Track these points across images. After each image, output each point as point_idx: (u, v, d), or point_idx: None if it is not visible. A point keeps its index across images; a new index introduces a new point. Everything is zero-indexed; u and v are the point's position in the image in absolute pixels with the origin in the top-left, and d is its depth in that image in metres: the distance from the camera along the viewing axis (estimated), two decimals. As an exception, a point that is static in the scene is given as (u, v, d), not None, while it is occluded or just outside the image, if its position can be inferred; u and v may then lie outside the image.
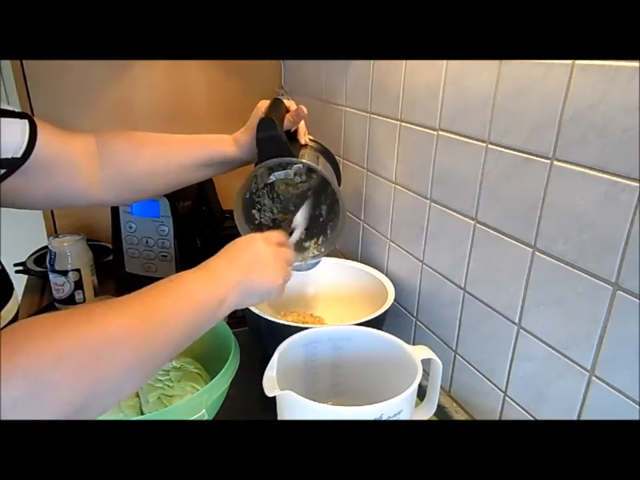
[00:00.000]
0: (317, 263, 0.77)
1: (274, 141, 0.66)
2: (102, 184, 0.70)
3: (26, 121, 0.59)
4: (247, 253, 0.57)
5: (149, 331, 0.43)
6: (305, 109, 0.74)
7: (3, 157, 0.57)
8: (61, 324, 0.39)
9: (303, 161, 0.70)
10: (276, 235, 0.64)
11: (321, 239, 0.77)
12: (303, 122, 0.78)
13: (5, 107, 0.58)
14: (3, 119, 0.56)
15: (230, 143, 0.76)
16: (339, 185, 0.81)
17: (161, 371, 0.67)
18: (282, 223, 0.79)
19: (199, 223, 1.10)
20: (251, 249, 0.58)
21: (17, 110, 0.59)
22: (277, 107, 0.71)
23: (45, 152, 0.62)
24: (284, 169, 0.76)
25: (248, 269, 0.56)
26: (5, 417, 0.33)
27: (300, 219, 0.73)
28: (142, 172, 0.72)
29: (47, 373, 0.35)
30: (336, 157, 1.06)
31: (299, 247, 0.77)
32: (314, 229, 0.78)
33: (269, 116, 0.66)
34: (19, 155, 0.59)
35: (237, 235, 0.74)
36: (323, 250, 0.76)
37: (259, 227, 0.77)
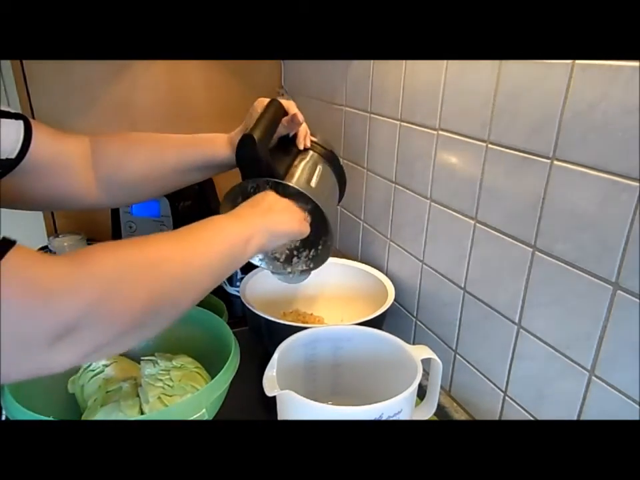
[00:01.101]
0: (305, 278, 0.76)
1: (253, 161, 0.64)
2: (96, 186, 0.69)
3: (21, 122, 0.59)
4: (266, 201, 0.63)
5: (192, 254, 0.50)
6: (300, 117, 0.71)
7: None
8: (121, 245, 0.45)
9: (285, 182, 0.65)
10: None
11: (312, 252, 0.76)
12: (304, 124, 0.76)
13: (0, 107, 0.58)
14: None
15: (225, 144, 0.73)
16: (344, 189, 0.78)
17: (160, 370, 0.67)
18: None
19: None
20: (268, 197, 0.64)
21: (12, 111, 0.59)
22: (268, 114, 0.67)
23: (39, 153, 0.62)
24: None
25: (269, 211, 0.61)
26: (81, 322, 0.37)
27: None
28: (135, 175, 0.71)
29: (115, 281, 0.40)
30: (336, 157, 1.06)
31: (288, 259, 0.76)
32: (305, 242, 0.76)
33: (252, 130, 0.63)
34: (13, 156, 0.59)
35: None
36: (312, 266, 0.75)
37: None
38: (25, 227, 1.27)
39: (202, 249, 0.51)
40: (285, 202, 0.65)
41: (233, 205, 0.66)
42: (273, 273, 0.76)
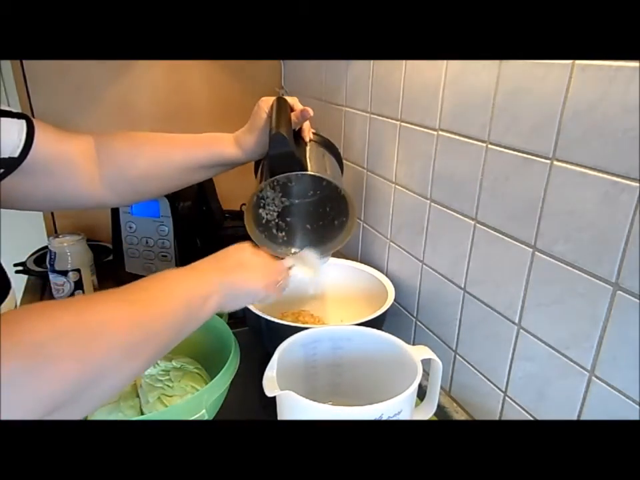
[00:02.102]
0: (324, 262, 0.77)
1: (287, 157, 0.66)
2: (101, 185, 0.70)
3: (23, 121, 0.59)
4: (233, 258, 0.61)
5: (143, 316, 0.45)
6: (310, 111, 0.73)
7: (0, 156, 0.57)
8: (61, 307, 0.40)
9: (317, 174, 0.68)
10: (267, 252, 0.68)
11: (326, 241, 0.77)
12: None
13: (2, 107, 0.58)
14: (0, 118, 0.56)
15: (231, 144, 0.74)
16: (342, 173, 0.82)
17: (160, 371, 0.67)
18: (286, 217, 0.78)
19: (199, 223, 1.10)
20: (237, 254, 0.62)
21: (13, 110, 0.59)
22: (283, 111, 0.70)
23: (42, 152, 0.62)
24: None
25: (231, 271, 0.59)
26: (5, 392, 0.33)
27: (305, 256, 0.74)
28: (141, 172, 0.72)
29: (47, 347, 0.36)
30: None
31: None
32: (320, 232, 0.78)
33: (278, 128, 0.65)
34: (16, 155, 0.59)
35: (236, 234, 0.74)
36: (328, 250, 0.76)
37: (267, 227, 0.76)
38: (25, 227, 1.27)
39: (153, 310, 0.47)
40: (259, 260, 0.63)
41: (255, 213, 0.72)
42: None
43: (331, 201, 0.77)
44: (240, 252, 0.62)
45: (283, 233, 0.77)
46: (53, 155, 0.64)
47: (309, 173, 0.68)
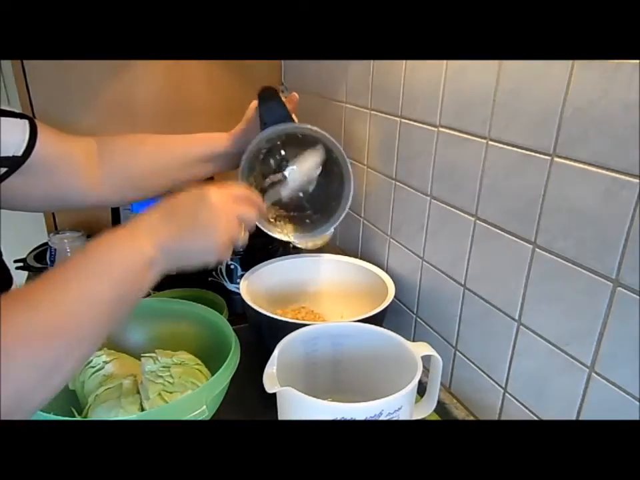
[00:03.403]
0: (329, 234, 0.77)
1: (275, 107, 0.69)
2: (103, 183, 0.70)
3: (26, 121, 0.60)
4: (186, 214, 0.52)
5: (68, 319, 0.41)
6: (296, 94, 0.78)
7: (3, 155, 0.57)
8: None
9: (309, 126, 0.71)
10: (238, 189, 0.58)
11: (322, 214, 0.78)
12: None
13: (4, 107, 0.58)
14: (2, 118, 0.57)
15: (228, 138, 0.77)
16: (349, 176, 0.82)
17: (161, 367, 0.67)
18: (275, 183, 0.78)
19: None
20: (193, 208, 0.52)
21: (16, 111, 0.60)
22: (271, 88, 0.74)
23: (45, 151, 0.62)
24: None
25: (181, 232, 0.50)
26: None
27: (296, 169, 0.73)
28: (143, 169, 0.72)
29: None
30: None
31: (302, 223, 0.78)
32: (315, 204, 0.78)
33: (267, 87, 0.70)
34: (19, 153, 0.59)
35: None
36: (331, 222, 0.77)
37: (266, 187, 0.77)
38: (25, 223, 1.27)
39: (79, 307, 0.41)
40: (218, 211, 0.52)
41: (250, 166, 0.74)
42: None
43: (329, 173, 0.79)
44: (198, 201, 0.52)
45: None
46: (55, 155, 0.65)
47: (301, 125, 0.72)
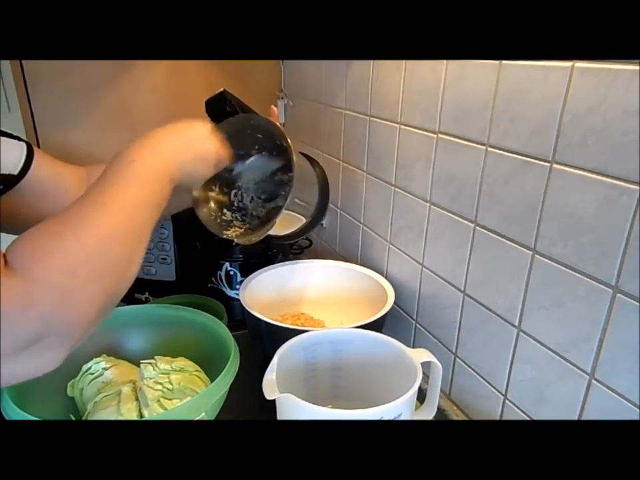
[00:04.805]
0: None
1: (220, 100, 0.75)
2: None
3: (24, 144, 0.63)
4: (189, 136, 0.66)
5: (130, 222, 0.48)
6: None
7: (0, 172, 0.59)
8: (60, 234, 0.43)
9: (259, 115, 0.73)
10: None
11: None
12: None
13: (4, 129, 0.61)
14: (2, 137, 0.60)
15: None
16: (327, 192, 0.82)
17: (160, 373, 0.67)
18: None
19: (199, 226, 1.10)
20: (191, 130, 0.67)
21: (14, 134, 0.63)
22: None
23: (39, 174, 0.65)
24: None
25: (184, 151, 0.62)
26: (42, 333, 0.39)
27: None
28: None
29: (67, 283, 0.40)
30: (335, 160, 1.07)
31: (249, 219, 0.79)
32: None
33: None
34: (15, 172, 0.61)
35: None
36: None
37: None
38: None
39: (138, 207, 0.50)
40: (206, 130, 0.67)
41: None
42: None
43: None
44: (194, 129, 0.67)
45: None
46: (48, 178, 0.67)
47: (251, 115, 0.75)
